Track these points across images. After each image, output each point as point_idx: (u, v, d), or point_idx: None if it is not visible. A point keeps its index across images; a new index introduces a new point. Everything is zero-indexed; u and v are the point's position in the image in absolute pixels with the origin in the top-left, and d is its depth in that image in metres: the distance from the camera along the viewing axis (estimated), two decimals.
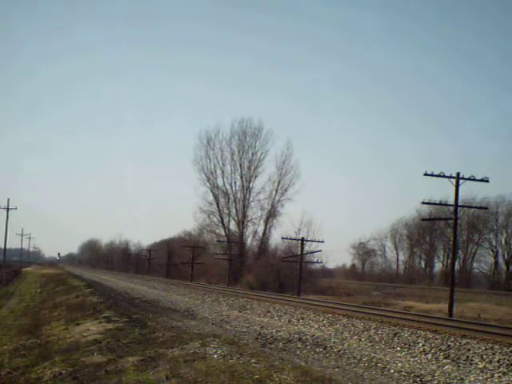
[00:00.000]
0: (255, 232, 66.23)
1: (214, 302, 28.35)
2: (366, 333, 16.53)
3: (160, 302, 27.30)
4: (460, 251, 68.79)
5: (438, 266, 79.23)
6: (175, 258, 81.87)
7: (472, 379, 10.77)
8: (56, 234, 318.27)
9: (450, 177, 27.99)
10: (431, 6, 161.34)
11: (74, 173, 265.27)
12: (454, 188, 27.98)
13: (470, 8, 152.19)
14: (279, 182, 64.83)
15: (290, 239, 53.89)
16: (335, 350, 13.46)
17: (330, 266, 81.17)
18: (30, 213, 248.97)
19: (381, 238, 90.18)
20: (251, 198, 66.07)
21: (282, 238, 54.25)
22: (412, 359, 12.85)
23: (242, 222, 65.41)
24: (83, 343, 13.66)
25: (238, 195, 66.27)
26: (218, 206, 66.78)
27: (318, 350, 13.46)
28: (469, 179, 28.04)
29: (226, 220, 66.63)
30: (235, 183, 66.61)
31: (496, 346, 13.36)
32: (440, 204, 30.93)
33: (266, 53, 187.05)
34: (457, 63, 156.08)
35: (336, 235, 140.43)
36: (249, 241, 66.58)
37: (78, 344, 13.70)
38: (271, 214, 64.85)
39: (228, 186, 66.83)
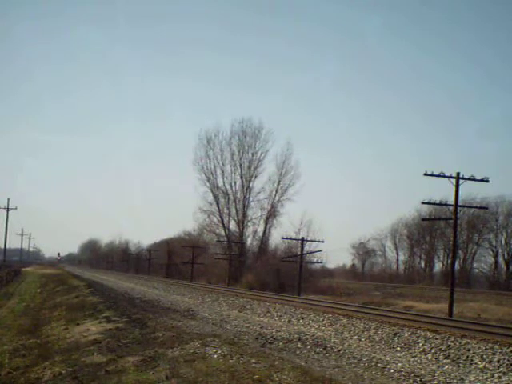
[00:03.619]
0: (255, 232, 66.28)
1: (214, 302, 28.34)
2: (365, 333, 16.53)
3: (160, 301, 27.29)
4: (460, 251, 68.76)
5: (438, 266, 79.26)
6: (175, 258, 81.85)
7: (472, 379, 10.77)
8: (56, 234, 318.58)
9: (450, 177, 28.00)
10: (431, 5, 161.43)
11: (74, 173, 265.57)
12: (454, 188, 27.99)
13: (470, 8, 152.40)
14: (279, 182, 64.87)
15: (290, 239, 53.90)
16: (335, 350, 13.46)
17: (330, 265, 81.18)
18: (30, 213, 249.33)
19: (381, 238, 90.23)
20: (251, 198, 66.10)
21: (282, 238, 54.28)
22: (412, 359, 12.85)
23: (242, 222, 65.40)
24: (83, 343, 13.66)
25: (238, 195, 66.30)
26: (218, 206, 66.80)
27: (318, 350, 13.46)
28: (469, 179, 28.05)
29: (226, 220, 66.67)
30: (235, 183, 66.64)
31: (496, 346, 13.36)
32: (440, 204, 30.92)
33: (266, 53, 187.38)
34: (457, 63, 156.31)
35: (336, 235, 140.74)
36: (249, 241, 66.62)
37: (77, 344, 13.69)
38: (271, 214, 64.87)
39: (228, 186, 66.88)
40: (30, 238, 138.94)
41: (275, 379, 8.82)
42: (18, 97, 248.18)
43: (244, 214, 65.52)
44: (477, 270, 72.83)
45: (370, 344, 15.02)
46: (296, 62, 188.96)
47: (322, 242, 49.38)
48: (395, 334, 15.74)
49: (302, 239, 48.10)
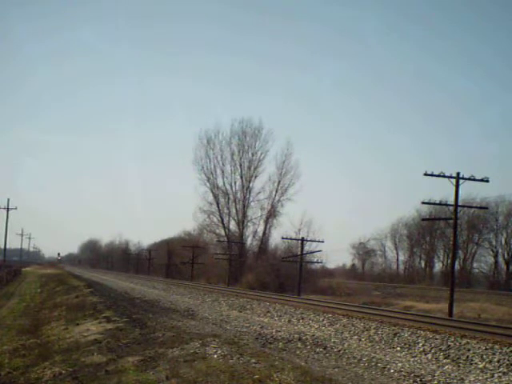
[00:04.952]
0: (255, 232, 66.33)
1: (214, 302, 28.33)
2: (365, 333, 16.53)
3: (160, 301, 27.29)
4: (460, 251, 68.77)
5: (438, 266, 79.32)
6: (175, 258, 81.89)
7: (472, 379, 10.76)
8: (56, 234, 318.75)
9: (450, 177, 28.01)
10: (431, 5, 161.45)
11: (74, 173, 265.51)
12: (454, 188, 28.02)
13: (470, 8, 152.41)
14: (279, 182, 64.95)
15: (290, 239, 53.93)
16: (335, 350, 13.45)
17: (330, 265, 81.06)
18: (30, 213, 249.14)
19: (381, 237, 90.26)
20: (251, 198, 66.17)
21: (282, 238, 54.31)
22: (412, 359, 12.84)
23: (242, 222, 65.42)
24: (83, 343, 13.66)
25: (238, 195, 66.36)
26: (218, 206, 66.85)
27: (318, 350, 13.45)
28: (469, 179, 28.07)
29: (226, 220, 66.72)
30: (235, 183, 66.71)
31: (496, 346, 13.36)
32: (440, 204, 30.94)
33: (266, 53, 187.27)
34: (457, 63, 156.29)
35: (336, 235, 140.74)
36: (249, 241, 66.67)
37: (77, 344, 13.69)
38: (271, 214, 64.91)
39: (228, 186, 66.94)
40: (29, 238, 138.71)
41: (275, 379, 8.82)
42: (18, 97, 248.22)
43: (244, 214, 65.55)
44: (477, 270, 72.91)
45: (369, 344, 15.02)
46: (296, 62, 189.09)
47: (322, 242, 49.50)
48: (395, 334, 15.74)
49: (302, 239, 48.12)
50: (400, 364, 11.94)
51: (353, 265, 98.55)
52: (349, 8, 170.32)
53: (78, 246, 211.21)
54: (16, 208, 71.89)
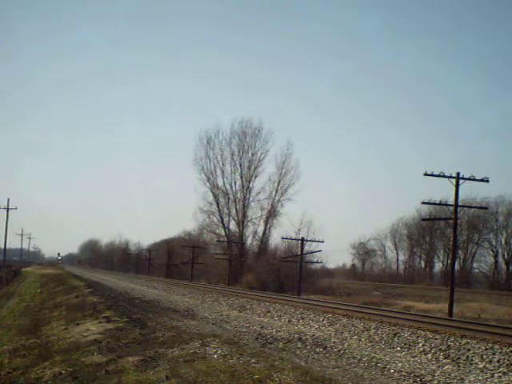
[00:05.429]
0: (255, 232, 66.27)
1: (214, 302, 28.33)
2: (365, 333, 16.52)
3: (160, 301, 27.28)
4: (460, 251, 68.75)
5: (438, 266, 79.37)
6: (175, 258, 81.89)
7: (472, 379, 10.75)
8: (56, 234, 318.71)
9: (450, 177, 28.01)
10: (431, 5, 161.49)
11: (74, 173, 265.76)
12: (454, 188, 28.02)
13: (470, 8, 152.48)
14: (279, 181, 64.88)
15: (290, 239, 53.91)
16: (335, 350, 13.45)
17: (330, 266, 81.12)
18: (30, 213, 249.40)
19: (381, 238, 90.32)
20: (251, 198, 66.10)
21: (282, 238, 54.31)
22: (412, 359, 12.83)
23: (242, 222, 65.37)
24: (83, 343, 13.66)
25: (238, 195, 66.30)
26: (218, 206, 66.80)
27: (318, 350, 13.44)
28: (469, 179, 28.08)
29: (225, 220, 66.66)
30: (235, 183, 66.64)
31: (496, 346, 13.36)
32: (440, 204, 30.94)
33: (266, 53, 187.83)
34: (457, 63, 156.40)
35: (336, 235, 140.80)
36: (249, 241, 66.61)
37: (77, 344, 13.69)
38: (271, 214, 64.85)
39: (228, 186, 66.88)
40: (29, 238, 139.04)
41: (275, 379, 8.82)
42: (17, 97, 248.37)
43: (244, 214, 65.50)
44: (477, 270, 72.89)
45: (370, 344, 15.01)
46: (296, 62, 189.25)
47: (322, 242, 49.51)
48: (395, 334, 15.73)
49: (302, 239, 48.11)
50: (400, 364, 11.94)
51: (353, 265, 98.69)
52: (349, 8, 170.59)
53: (78, 246, 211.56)
54: (16, 208, 72.13)
